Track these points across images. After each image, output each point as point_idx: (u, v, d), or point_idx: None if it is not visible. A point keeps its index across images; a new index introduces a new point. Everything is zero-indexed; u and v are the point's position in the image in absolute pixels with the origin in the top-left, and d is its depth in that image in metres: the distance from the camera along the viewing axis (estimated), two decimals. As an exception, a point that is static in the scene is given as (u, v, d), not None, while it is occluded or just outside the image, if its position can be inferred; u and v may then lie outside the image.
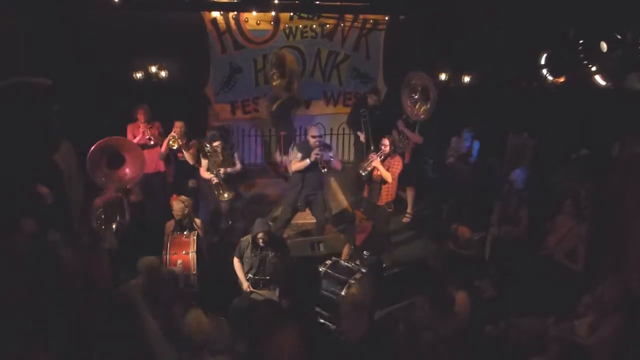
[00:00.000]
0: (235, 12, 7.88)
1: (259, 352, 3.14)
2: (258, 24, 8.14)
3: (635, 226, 4.72)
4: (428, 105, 6.57)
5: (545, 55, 5.48)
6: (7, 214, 4.77)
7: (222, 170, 6.23)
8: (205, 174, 6.33)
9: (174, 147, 6.49)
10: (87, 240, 5.13)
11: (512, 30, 6.97)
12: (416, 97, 6.75)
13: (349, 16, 8.34)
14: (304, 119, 8.71)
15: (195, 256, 5.30)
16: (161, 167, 6.81)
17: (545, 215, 5.72)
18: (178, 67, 7.55)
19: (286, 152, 7.98)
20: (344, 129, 8.91)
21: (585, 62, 4.83)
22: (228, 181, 6.35)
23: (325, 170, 6.09)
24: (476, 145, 7.21)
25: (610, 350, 3.79)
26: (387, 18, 8.53)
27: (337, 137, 8.96)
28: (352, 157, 8.71)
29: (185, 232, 5.53)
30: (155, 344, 3.08)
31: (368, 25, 8.59)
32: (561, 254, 5.26)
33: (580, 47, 4.88)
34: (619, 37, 4.53)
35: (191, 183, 7.06)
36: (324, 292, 4.97)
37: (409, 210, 7.51)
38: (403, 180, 6.63)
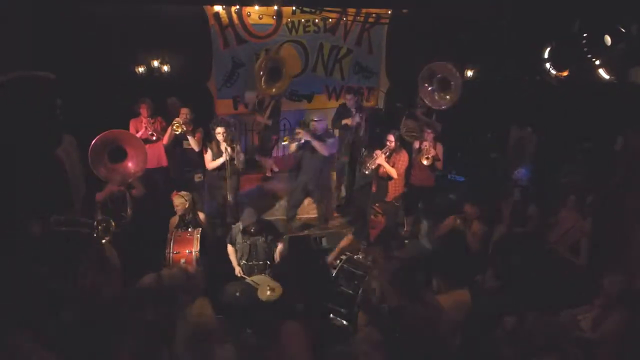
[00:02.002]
0: (238, 6, 7.85)
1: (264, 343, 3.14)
2: (260, 18, 8.12)
3: (638, 220, 4.71)
4: (450, 94, 6.45)
5: (548, 49, 5.46)
6: (8, 210, 4.78)
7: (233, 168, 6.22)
8: (210, 164, 6.32)
9: (178, 132, 6.43)
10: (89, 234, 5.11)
11: (515, 24, 6.93)
12: (436, 86, 6.59)
13: (351, 10, 8.30)
14: (305, 113, 8.70)
15: (199, 255, 5.19)
16: (164, 162, 6.79)
17: (549, 210, 5.70)
18: (180, 62, 7.54)
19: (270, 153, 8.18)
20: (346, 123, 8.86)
21: (589, 55, 4.82)
22: (237, 177, 6.35)
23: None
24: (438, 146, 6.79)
25: (614, 344, 3.79)
26: (390, 12, 8.50)
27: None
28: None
29: (189, 229, 5.44)
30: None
31: (371, 20, 8.56)
32: (564, 248, 5.26)
33: (584, 41, 4.86)
34: (623, 30, 4.51)
35: (197, 177, 7.02)
36: (341, 289, 4.78)
37: None
38: None
